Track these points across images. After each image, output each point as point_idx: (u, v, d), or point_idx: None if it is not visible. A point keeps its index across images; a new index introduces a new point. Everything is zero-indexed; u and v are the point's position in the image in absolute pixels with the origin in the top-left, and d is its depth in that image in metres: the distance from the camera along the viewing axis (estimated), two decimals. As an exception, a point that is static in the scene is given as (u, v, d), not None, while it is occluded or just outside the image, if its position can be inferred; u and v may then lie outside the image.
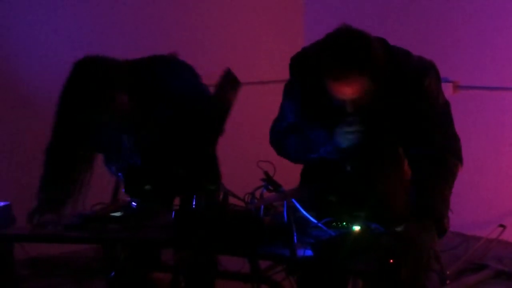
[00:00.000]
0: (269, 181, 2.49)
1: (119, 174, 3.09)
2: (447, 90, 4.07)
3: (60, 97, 2.85)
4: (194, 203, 2.64)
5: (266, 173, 2.50)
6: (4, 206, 3.95)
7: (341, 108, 2.47)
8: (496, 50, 4.34)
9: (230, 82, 3.05)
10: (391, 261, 2.11)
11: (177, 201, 2.97)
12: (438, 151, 2.47)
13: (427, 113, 2.49)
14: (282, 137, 2.71)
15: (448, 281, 2.08)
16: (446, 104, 2.56)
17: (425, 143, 2.48)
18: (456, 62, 4.44)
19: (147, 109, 2.89)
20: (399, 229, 2.39)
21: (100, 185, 4.54)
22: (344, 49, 2.33)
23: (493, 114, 4.36)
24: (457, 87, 4.26)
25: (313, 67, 2.44)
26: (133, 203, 2.94)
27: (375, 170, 2.56)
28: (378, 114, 2.49)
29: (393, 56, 2.45)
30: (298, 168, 2.82)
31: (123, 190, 3.09)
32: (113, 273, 3.03)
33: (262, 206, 2.53)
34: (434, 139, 2.48)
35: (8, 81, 4.60)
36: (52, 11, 4.68)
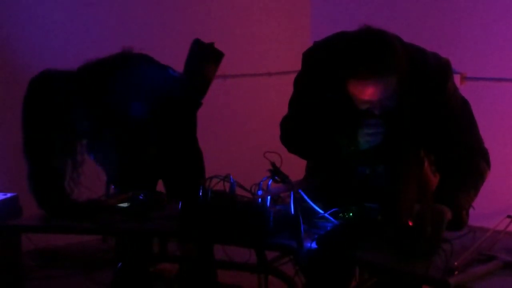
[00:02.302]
0: (276, 172, 2.48)
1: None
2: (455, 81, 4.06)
3: (21, 115, 2.97)
4: (200, 194, 2.63)
5: (273, 164, 2.49)
6: (11, 197, 3.97)
7: (360, 109, 2.44)
8: (503, 41, 4.33)
9: (205, 54, 3.07)
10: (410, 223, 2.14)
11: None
12: (469, 154, 2.46)
13: (453, 117, 2.47)
14: (294, 136, 2.67)
15: (456, 272, 2.07)
16: (465, 103, 2.54)
17: (455, 146, 2.47)
18: (464, 53, 4.42)
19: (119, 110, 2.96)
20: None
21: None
22: (371, 50, 2.30)
23: (500, 105, 4.35)
24: (464, 78, 4.25)
25: (331, 66, 2.41)
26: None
27: (393, 170, 2.54)
28: (398, 115, 2.46)
29: (409, 55, 2.41)
30: (305, 160, 2.81)
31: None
32: (120, 264, 3.03)
33: (269, 197, 2.52)
34: (464, 142, 2.47)
35: (14, 75, 4.61)
36: (55, 9, 4.69)
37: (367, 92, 2.35)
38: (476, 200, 4.07)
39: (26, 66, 4.61)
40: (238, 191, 2.72)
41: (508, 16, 4.34)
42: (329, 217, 2.51)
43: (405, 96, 2.42)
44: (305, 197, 2.49)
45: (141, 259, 3.06)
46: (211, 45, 3.22)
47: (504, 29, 4.32)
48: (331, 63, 2.42)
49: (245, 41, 5.16)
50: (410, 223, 2.15)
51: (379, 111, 2.41)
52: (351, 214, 2.52)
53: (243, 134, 5.03)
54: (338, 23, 4.27)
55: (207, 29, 4.90)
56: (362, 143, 2.47)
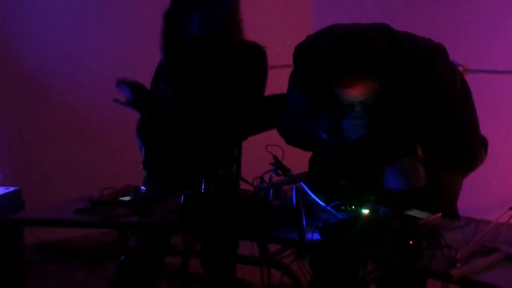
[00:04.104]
0: (278, 165, 2.48)
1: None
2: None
3: None
4: (203, 187, 2.63)
5: (275, 157, 2.49)
6: (13, 191, 3.97)
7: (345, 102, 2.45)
8: (505, 33, 4.32)
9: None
10: (411, 242, 2.14)
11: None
12: (463, 141, 2.48)
13: (443, 105, 2.46)
14: (290, 127, 2.70)
15: (458, 264, 2.07)
16: (464, 86, 2.53)
17: (447, 132, 2.48)
18: (466, 46, 4.42)
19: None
20: (408, 212, 2.40)
21: (109, 170, 4.60)
22: (346, 58, 2.30)
23: (502, 97, 4.35)
24: (466, 70, 4.24)
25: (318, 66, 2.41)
26: (143, 187, 2.94)
27: (386, 157, 2.54)
28: (387, 105, 2.46)
29: (398, 44, 2.41)
30: (307, 153, 2.81)
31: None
32: (123, 257, 3.03)
33: (271, 190, 2.52)
34: (457, 128, 2.48)
35: (18, 71, 4.62)
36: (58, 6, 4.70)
37: (347, 95, 2.38)
38: (478, 193, 4.09)
39: (27, 62, 4.63)
40: (240, 184, 2.73)
41: (511, 8, 4.33)
42: (331, 210, 2.51)
43: (394, 86, 2.41)
44: (307, 190, 2.49)
45: (144, 252, 3.06)
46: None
47: (506, 21, 4.31)
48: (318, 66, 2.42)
49: (246, 35, 5.15)
50: (411, 243, 2.15)
51: (360, 108, 2.42)
52: (353, 207, 2.52)
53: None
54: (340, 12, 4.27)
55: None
56: (350, 133, 2.48)
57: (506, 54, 4.33)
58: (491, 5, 4.48)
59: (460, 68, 4.23)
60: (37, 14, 4.62)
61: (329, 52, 2.35)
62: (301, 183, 2.48)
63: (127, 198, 2.87)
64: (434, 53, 2.46)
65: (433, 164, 2.45)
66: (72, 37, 4.76)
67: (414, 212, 2.41)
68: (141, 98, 3.07)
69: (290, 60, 2.66)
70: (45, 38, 4.67)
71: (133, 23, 4.81)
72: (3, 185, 4.07)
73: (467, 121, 2.52)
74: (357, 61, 2.30)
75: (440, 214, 2.42)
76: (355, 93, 2.36)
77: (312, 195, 2.50)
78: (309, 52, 2.52)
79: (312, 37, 2.61)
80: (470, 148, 2.51)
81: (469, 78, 4.21)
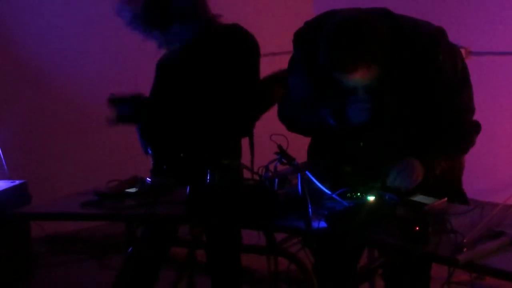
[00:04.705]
0: (282, 155, 2.48)
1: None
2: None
3: None
4: (208, 178, 2.63)
5: (279, 146, 2.49)
6: (20, 184, 3.99)
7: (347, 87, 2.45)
8: (508, 15, 4.30)
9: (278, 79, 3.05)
10: (417, 228, 2.14)
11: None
12: (457, 124, 2.49)
13: (443, 91, 2.46)
14: (290, 113, 2.70)
15: (464, 249, 2.07)
16: (464, 70, 2.53)
17: (444, 114, 2.48)
18: (468, 28, 4.40)
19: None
20: (414, 198, 2.40)
21: (115, 162, 4.60)
22: (347, 43, 2.30)
23: (506, 79, 4.34)
24: (469, 53, 4.23)
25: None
26: (148, 178, 2.94)
27: (390, 142, 2.54)
28: (389, 89, 2.46)
29: (399, 28, 2.41)
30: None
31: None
32: (130, 249, 3.04)
33: (276, 180, 2.52)
34: (453, 114, 2.50)
35: (23, 70, 4.63)
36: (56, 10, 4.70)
37: (348, 81, 2.39)
38: (484, 176, 4.09)
39: (29, 62, 4.64)
40: (245, 173, 2.73)
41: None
42: (337, 197, 2.51)
43: (396, 70, 2.41)
44: (313, 178, 2.49)
45: (151, 243, 3.07)
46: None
47: (510, 2, 4.29)
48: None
49: (247, 22, 5.12)
50: (417, 228, 2.15)
51: (362, 92, 2.43)
52: (358, 194, 2.52)
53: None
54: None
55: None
56: (353, 117, 2.47)
57: (508, 36, 4.31)
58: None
59: (463, 51, 4.25)
60: (40, 12, 4.63)
61: (330, 38, 2.35)
62: (306, 172, 2.48)
63: (133, 190, 2.87)
64: (435, 37, 2.46)
65: (430, 156, 2.46)
66: (76, 35, 4.77)
67: (420, 198, 2.42)
68: (141, 112, 3.04)
69: (291, 47, 2.66)
70: (48, 36, 4.68)
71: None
72: (9, 178, 4.10)
73: (465, 107, 2.53)
74: (358, 46, 2.30)
75: (446, 199, 2.42)
76: (357, 78, 2.36)
77: (318, 183, 2.50)
78: (309, 38, 2.52)
79: (310, 23, 2.60)
80: (465, 135, 2.54)
81: (471, 60, 4.24)
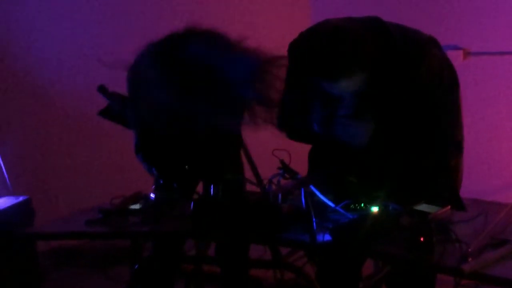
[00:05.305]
0: (285, 169, 2.49)
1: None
2: (458, 57, 4.03)
3: None
4: (212, 192, 2.64)
5: (282, 161, 2.50)
6: (23, 200, 3.99)
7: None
8: (507, 15, 4.30)
9: None
10: (422, 239, 2.15)
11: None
12: (440, 141, 2.49)
13: (424, 102, 2.45)
14: (287, 122, 2.69)
15: (469, 259, 2.08)
16: (451, 79, 2.52)
17: (428, 131, 2.48)
18: (467, 28, 4.40)
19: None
20: (418, 207, 2.41)
21: (119, 177, 4.60)
22: (331, 52, 2.31)
23: (505, 79, 4.33)
24: (467, 54, 4.22)
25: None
26: (152, 194, 2.95)
27: (390, 150, 2.55)
28: (376, 97, 2.47)
29: (388, 37, 2.41)
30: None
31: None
32: (137, 266, 3.05)
33: (280, 194, 2.53)
34: (437, 128, 2.49)
35: (27, 81, 4.63)
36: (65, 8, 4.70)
37: (334, 90, 2.41)
38: (487, 176, 4.08)
39: (29, 72, 4.64)
40: (249, 188, 2.74)
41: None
42: (340, 210, 2.51)
43: (381, 78, 2.41)
44: (316, 191, 2.49)
45: (158, 260, 3.07)
46: None
47: (508, 3, 4.29)
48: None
49: (244, 26, 5.13)
50: (422, 239, 2.16)
51: (350, 101, 2.45)
52: (362, 205, 2.53)
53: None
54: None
55: (207, 23, 4.89)
56: (338, 127, 2.49)
57: (507, 36, 4.31)
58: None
59: (462, 52, 4.24)
60: (40, 16, 4.62)
61: (316, 47, 2.36)
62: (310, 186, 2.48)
63: (137, 206, 2.88)
64: (422, 46, 2.46)
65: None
66: (76, 43, 4.76)
67: (423, 207, 2.41)
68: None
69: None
70: (49, 44, 4.67)
71: (137, 23, 4.81)
72: (12, 194, 4.10)
73: (445, 121, 2.52)
74: (342, 55, 2.31)
75: (449, 207, 2.42)
76: (342, 86, 2.38)
77: (321, 196, 2.51)
78: (302, 48, 2.52)
79: (304, 34, 2.61)
80: (441, 152, 2.52)
81: (470, 61, 4.24)
